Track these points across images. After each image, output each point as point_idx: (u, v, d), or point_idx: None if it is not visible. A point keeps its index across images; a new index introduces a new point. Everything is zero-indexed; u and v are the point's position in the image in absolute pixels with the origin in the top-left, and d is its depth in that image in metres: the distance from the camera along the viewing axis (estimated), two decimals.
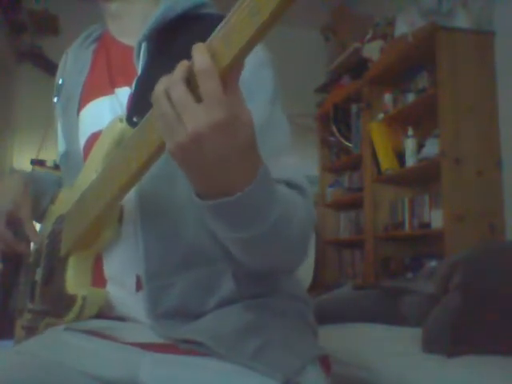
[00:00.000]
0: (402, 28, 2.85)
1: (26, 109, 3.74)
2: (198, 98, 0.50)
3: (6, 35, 3.52)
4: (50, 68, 3.58)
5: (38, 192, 0.94)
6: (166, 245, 0.74)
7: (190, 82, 0.51)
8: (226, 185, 0.54)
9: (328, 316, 1.77)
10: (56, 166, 2.85)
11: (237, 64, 0.50)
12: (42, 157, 3.29)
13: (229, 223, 0.58)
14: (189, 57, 0.51)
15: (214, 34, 0.50)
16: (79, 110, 0.86)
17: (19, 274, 0.97)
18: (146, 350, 0.71)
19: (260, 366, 0.63)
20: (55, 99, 0.91)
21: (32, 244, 0.92)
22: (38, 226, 0.95)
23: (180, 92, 0.50)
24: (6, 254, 0.87)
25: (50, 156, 2.98)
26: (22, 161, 3.56)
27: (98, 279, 0.80)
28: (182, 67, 0.51)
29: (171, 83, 0.51)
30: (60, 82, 0.91)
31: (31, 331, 0.86)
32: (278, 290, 0.79)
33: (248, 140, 0.53)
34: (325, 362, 0.72)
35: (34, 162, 3.22)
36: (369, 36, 3.35)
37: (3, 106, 3.48)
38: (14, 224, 0.86)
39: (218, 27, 0.49)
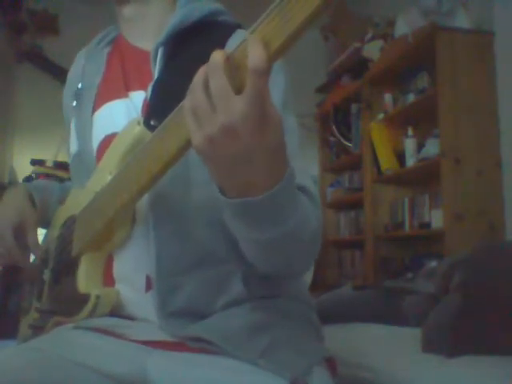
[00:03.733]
0: (402, 28, 2.85)
1: (26, 109, 3.74)
2: (237, 90, 0.49)
3: (5, 35, 3.52)
4: (50, 68, 3.58)
5: (44, 201, 0.94)
6: (177, 245, 0.75)
7: (229, 72, 0.50)
8: (252, 183, 0.53)
9: (328, 316, 1.77)
10: (56, 166, 2.85)
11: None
12: (55, 158, 3.23)
13: (248, 223, 0.58)
14: (205, 62, 0.51)
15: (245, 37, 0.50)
16: (93, 111, 0.86)
17: (19, 275, 0.98)
18: (154, 347, 0.71)
19: (269, 364, 0.63)
20: (74, 103, 0.89)
21: (32, 255, 0.91)
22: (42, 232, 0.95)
23: (221, 81, 0.49)
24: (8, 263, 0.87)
25: (50, 156, 2.97)
26: (21, 161, 3.55)
27: (107, 279, 0.80)
28: (219, 56, 0.50)
29: (212, 72, 0.50)
30: (79, 86, 0.90)
31: (38, 330, 0.87)
32: (285, 292, 0.80)
33: (278, 140, 0.52)
34: (331, 363, 0.73)
35: (34, 162, 3.21)
36: (369, 36, 3.35)
37: (3, 105, 3.48)
38: (20, 236, 0.86)
39: (248, 30, 0.49)
